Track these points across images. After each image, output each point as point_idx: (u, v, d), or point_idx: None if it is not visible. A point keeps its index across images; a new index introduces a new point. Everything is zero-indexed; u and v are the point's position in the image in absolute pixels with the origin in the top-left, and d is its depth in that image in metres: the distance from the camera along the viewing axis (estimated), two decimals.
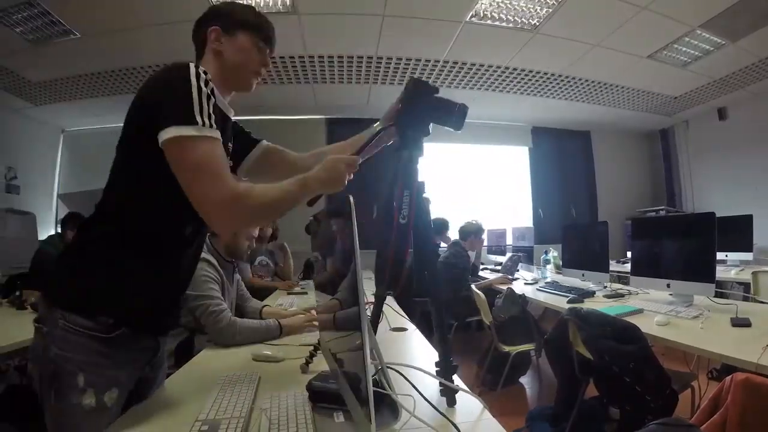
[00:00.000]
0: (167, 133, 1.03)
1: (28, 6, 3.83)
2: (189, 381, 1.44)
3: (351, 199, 0.81)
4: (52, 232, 6.86)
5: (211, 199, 1.05)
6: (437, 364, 1.20)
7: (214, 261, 2.18)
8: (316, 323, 2.00)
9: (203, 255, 2.13)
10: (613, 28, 4.24)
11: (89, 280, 1.14)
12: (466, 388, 1.19)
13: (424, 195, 1.26)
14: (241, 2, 1.38)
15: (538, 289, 3.76)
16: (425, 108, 1.27)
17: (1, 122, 6.17)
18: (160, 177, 1.10)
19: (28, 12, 3.93)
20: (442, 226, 5.51)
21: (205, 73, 1.12)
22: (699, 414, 1.25)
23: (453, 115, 1.24)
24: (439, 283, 1.29)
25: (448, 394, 1.15)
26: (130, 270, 1.15)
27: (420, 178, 1.26)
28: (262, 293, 3.56)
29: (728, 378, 1.20)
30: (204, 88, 1.09)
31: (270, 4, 3.94)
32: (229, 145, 1.39)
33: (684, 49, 4.64)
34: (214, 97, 1.13)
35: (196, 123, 1.04)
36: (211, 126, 1.07)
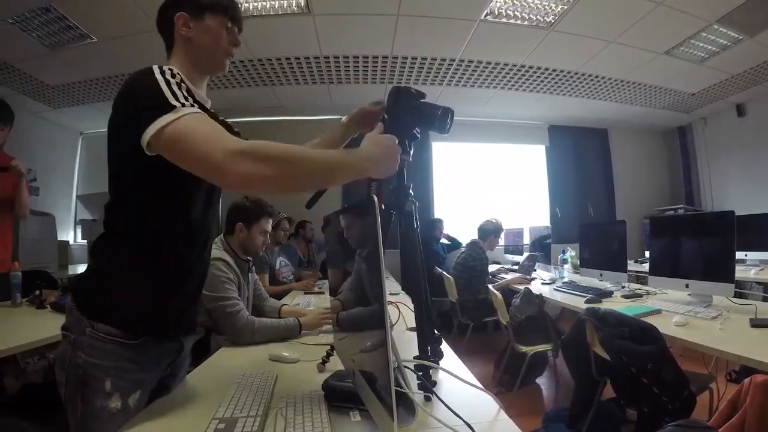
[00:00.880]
0: (149, 131, 0.98)
1: (45, 11, 3.90)
2: (206, 379, 1.45)
3: (375, 198, 0.81)
4: (71, 233, 7.01)
5: (214, 158, 0.93)
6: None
7: (230, 260, 2.20)
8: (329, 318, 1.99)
9: (219, 254, 2.15)
10: (629, 24, 4.19)
11: (111, 290, 1.16)
12: (481, 386, 1.19)
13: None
14: None
15: (555, 289, 3.73)
16: (408, 114, 1.28)
17: (20, 125, 6.23)
18: (154, 184, 1.12)
19: (45, 17, 4.00)
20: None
21: (170, 69, 1.12)
22: (717, 416, 1.23)
23: (436, 119, 1.25)
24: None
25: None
26: (146, 278, 1.17)
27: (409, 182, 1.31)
28: (279, 294, 3.58)
29: (747, 380, 1.18)
30: (171, 79, 1.07)
31: (285, 6, 3.96)
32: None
33: (701, 44, 4.57)
34: (186, 85, 1.11)
35: (173, 107, 0.99)
36: (191, 105, 1.03)
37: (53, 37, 4.35)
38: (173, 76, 1.08)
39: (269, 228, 2.45)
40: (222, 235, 2.39)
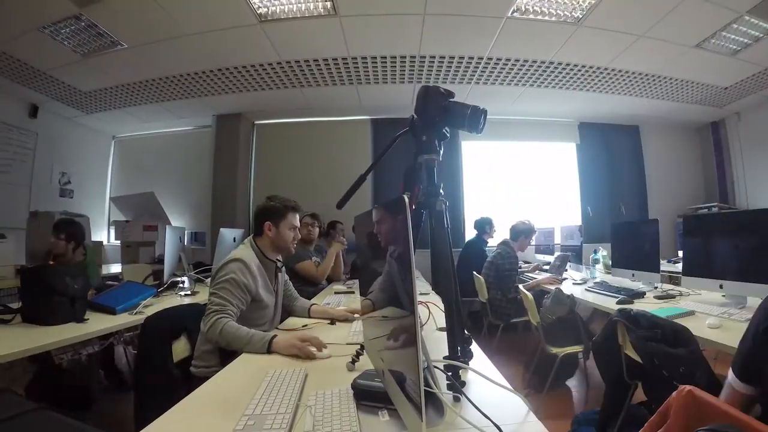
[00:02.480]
0: None
1: (76, 20, 4.02)
2: (237, 377, 1.48)
3: (406, 198, 0.81)
4: (105, 233, 7.20)
5: None
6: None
7: (252, 261, 2.20)
8: (313, 349, 1.74)
9: (240, 254, 2.17)
10: (658, 17, 4.08)
11: None
12: (511, 387, 1.18)
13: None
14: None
15: (586, 290, 3.66)
16: (436, 114, 1.28)
17: (55, 130, 6.49)
18: None
19: (75, 25, 4.12)
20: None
21: None
22: (647, 426, 1.21)
23: (466, 118, 1.24)
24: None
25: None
26: None
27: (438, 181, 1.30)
28: (309, 293, 3.61)
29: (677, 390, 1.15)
30: None
31: (311, 8, 3.99)
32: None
33: (732, 36, 4.42)
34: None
35: None
36: None
37: (84, 44, 4.48)
38: None
39: (297, 223, 2.43)
40: (251, 236, 2.42)
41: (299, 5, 3.94)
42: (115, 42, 4.44)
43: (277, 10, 3.99)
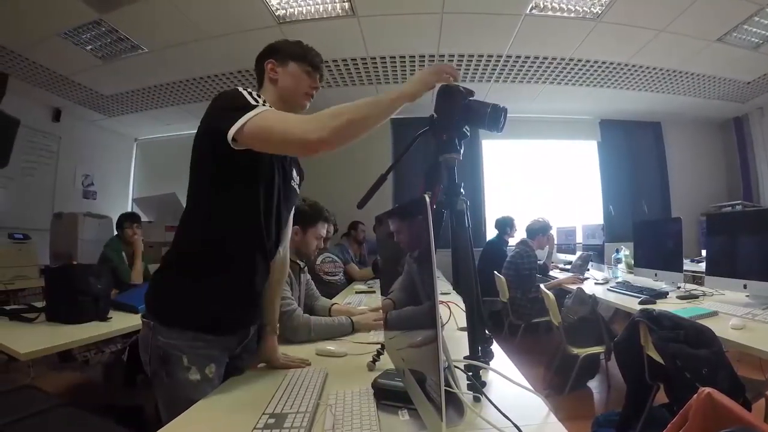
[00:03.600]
0: (236, 126, 1.15)
1: (96, 25, 4.10)
2: (258, 375, 1.49)
3: (427, 198, 0.81)
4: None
5: (293, 133, 1.14)
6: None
7: None
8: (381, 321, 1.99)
9: None
10: (678, 11, 4.03)
11: (182, 302, 1.34)
12: (531, 388, 1.17)
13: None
14: (291, 40, 1.60)
15: (608, 290, 3.62)
16: (456, 112, 1.28)
17: (77, 133, 6.62)
18: (234, 185, 1.33)
19: (96, 31, 4.21)
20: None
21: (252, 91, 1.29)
22: (669, 428, 1.18)
23: (486, 117, 1.23)
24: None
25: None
26: (214, 283, 1.35)
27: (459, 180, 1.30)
28: (330, 292, 3.62)
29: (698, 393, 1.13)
30: (252, 93, 1.26)
31: (329, 9, 4.02)
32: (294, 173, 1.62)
33: (754, 29, 4.34)
34: (263, 98, 1.28)
35: (254, 106, 1.18)
36: (268, 106, 1.22)
37: (105, 49, 4.57)
38: (252, 92, 1.27)
39: (324, 233, 2.46)
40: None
41: (317, 6, 3.97)
42: (135, 46, 4.52)
43: (296, 12, 4.03)
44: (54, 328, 2.35)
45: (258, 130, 1.15)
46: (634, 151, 7.41)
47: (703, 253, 3.53)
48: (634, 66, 5.24)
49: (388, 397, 1.15)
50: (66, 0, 3.69)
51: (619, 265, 4.51)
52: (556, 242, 5.75)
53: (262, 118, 1.16)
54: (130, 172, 7.86)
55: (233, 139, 1.16)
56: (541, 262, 5.07)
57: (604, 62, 5.16)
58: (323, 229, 2.45)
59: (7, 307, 2.67)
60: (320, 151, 1.13)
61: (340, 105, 1.17)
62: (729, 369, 1.73)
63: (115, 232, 4.27)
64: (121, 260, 3.88)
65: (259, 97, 1.26)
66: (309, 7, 3.98)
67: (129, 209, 7.42)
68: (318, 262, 4.30)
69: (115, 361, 3.82)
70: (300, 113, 1.47)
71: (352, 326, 2.06)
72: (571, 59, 5.07)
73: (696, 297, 2.84)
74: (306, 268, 2.57)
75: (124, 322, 2.54)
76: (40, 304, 2.63)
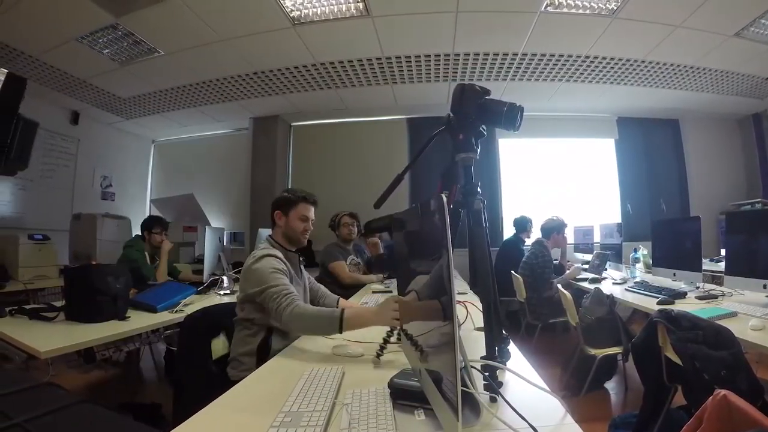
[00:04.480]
0: None
1: (112, 29, 4.16)
2: (274, 374, 1.50)
3: (444, 197, 0.82)
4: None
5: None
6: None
7: (279, 253, 2.18)
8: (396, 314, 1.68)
9: (267, 251, 2.15)
10: (694, 6, 3.96)
11: None
12: (548, 389, 1.17)
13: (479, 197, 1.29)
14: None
15: (626, 289, 3.58)
16: (472, 112, 1.27)
17: (95, 136, 6.72)
18: None
19: (112, 35, 4.27)
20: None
21: None
22: (684, 429, 1.17)
23: (502, 116, 1.23)
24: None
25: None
26: None
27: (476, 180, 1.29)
28: (351, 291, 3.61)
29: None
30: None
31: (344, 10, 4.03)
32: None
33: None
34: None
35: None
36: None
37: (122, 53, 4.64)
38: None
39: (310, 214, 2.34)
40: (269, 234, 2.40)
41: (331, 7, 3.98)
42: (151, 49, 4.57)
43: (310, 13, 4.04)
44: (73, 327, 2.38)
45: None
46: (651, 148, 7.31)
47: (722, 252, 3.47)
48: (650, 62, 5.17)
49: (404, 396, 1.15)
50: (82, 5, 3.74)
51: (637, 265, 4.46)
52: (573, 242, 5.70)
53: None
54: (148, 173, 7.96)
55: None
56: (557, 262, 5.03)
57: (620, 59, 5.10)
58: (307, 210, 2.33)
59: (27, 307, 2.70)
60: None
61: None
62: (748, 371, 1.70)
63: (136, 233, 4.33)
64: (145, 260, 3.94)
65: None
66: (323, 8, 3.99)
67: (147, 210, 7.54)
68: (347, 262, 4.31)
69: (132, 360, 3.88)
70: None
71: (339, 323, 1.75)
72: (587, 56, 5.01)
73: (715, 297, 2.81)
74: (304, 262, 2.52)
75: (142, 321, 2.58)
76: (59, 304, 2.67)
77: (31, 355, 1.95)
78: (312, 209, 2.36)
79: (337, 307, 2.27)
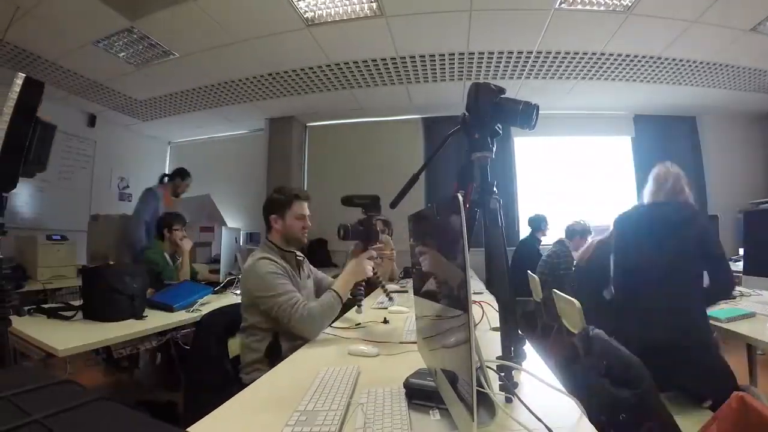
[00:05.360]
0: None
1: (128, 33, 4.22)
2: (290, 374, 1.51)
3: (460, 197, 0.81)
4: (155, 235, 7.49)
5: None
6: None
7: (275, 255, 2.18)
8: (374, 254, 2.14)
9: (259, 255, 2.14)
10: (710, 1, 3.90)
11: None
12: (564, 390, 1.16)
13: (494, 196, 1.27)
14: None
15: None
16: (488, 110, 1.26)
17: (112, 138, 6.81)
18: None
19: (127, 38, 4.33)
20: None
21: None
22: (701, 430, 1.13)
23: (518, 115, 1.22)
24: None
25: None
26: None
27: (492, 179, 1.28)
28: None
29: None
30: None
31: (357, 10, 4.03)
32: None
33: None
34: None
35: None
36: None
37: (137, 55, 4.70)
38: None
39: (305, 211, 2.32)
40: (265, 236, 2.38)
41: (345, 8, 3.99)
42: (167, 52, 4.62)
43: (324, 14, 4.05)
44: (90, 326, 2.41)
45: None
46: (669, 146, 7.17)
47: (741, 251, 3.41)
48: (666, 59, 5.10)
49: (419, 396, 1.14)
50: (98, 9, 3.80)
51: None
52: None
53: None
54: None
55: None
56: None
57: (636, 56, 5.04)
58: (302, 208, 2.31)
59: (45, 306, 2.74)
60: None
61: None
62: (661, 419, 1.39)
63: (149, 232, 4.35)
64: (166, 262, 3.96)
65: None
66: (337, 9, 4.00)
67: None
68: None
69: (149, 359, 3.91)
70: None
71: (339, 299, 2.04)
72: (603, 54, 4.96)
73: (733, 297, 2.76)
74: (305, 259, 2.52)
75: (159, 320, 2.61)
76: (77, 303, 2.69)
77: (49, 353, 1.98)
78: (306, 205, 2.33)
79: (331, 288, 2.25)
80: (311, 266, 2.62)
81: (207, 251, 5.63)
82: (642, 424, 1.34)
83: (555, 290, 4.12)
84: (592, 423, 1.02)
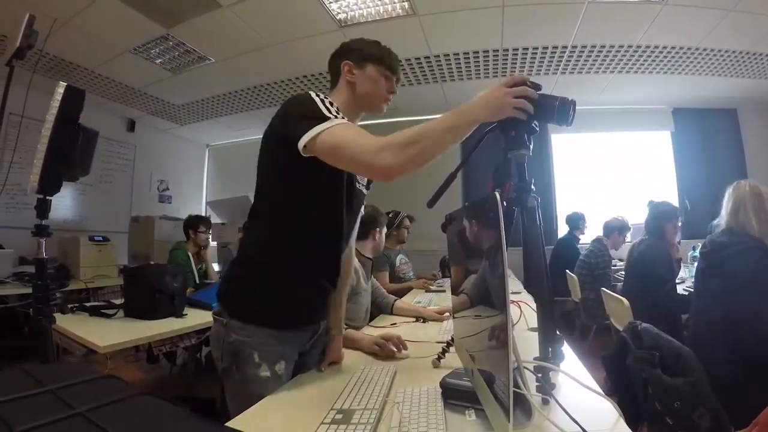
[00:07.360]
0: (308, 136, 1.17)
1: (163, 40, 4.34)
2: (327, 373, 1.52)
3: (497, 195, 0.81)
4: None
5: (362, 159, 1.16)
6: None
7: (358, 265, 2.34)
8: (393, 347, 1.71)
9: None
10: None
11: (252, 297, 1.37)
12: (602, 392, 1.13)
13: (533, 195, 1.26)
14: (368, 39, 1.56)
15: (684, 290, 3.43)
16: None
17: (152, 142, 7.01)
18: (304, 183, 1.33)
19: (163, 45, 4.46)
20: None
21: (325, 96, 1.31)
22: None
23: (555, 111, 1.19)
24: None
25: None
26: (290, 279, 1.37)
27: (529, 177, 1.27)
28: (398, 291, 3.64)
29: None
30: (325, 100, 1.26)
31: (389, 10, 4.04)
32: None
33: None
34: (336, 107, 1.28)
35: (327, 118, 1.19)
36: (341, 118, 1.23)
37: (174, 62, 4.83)
38: (325, 98, 1.28)
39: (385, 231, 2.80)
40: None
41: (377, 8, 4.00)
42: (202, 57, 4.73)
43: (356, 15, 4.07)
44: (131, 324, 2.50)
45: (327, 147, 1.17)
46: (710, 140, 6.91)
47: None
48: (704, 49, 4.91)
49: (455, 396, 1.14)
50: (133, 18, 3.92)
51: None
52: (630, 240, 5.50)
53: (332, 135, 1.17)
54: (203, 176, 8.25)
55: (304, 146, 1.18)
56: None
57: (672, 47, 4.88)
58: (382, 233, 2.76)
59: (88, 304, 2.85)
60: (389, 178, 1.15)
61: (415, 130, 1.16)
62: (711, 405, 1.45)
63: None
64: (190, 264, 4.04)
65: (332, 105, 1.26)
66: (369, 9, 4.01)
67: (203, 212, 7.79)
68: (397, 264, 4.28)
69: (189, 356, 4.01)
70: (376, 114, 1.55)
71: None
72: (639, 46, 4.83)
73: None
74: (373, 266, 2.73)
75: (198, 318, 2.68)
76: (118, 302, 2.79)
77: (90, 349, 2.05)
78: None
79: (392, 311, 2.65)
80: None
81: None
82: (694, 411, 1.41)
83: (604, 289, 4.03)
84: (648, 413, 1.00)
